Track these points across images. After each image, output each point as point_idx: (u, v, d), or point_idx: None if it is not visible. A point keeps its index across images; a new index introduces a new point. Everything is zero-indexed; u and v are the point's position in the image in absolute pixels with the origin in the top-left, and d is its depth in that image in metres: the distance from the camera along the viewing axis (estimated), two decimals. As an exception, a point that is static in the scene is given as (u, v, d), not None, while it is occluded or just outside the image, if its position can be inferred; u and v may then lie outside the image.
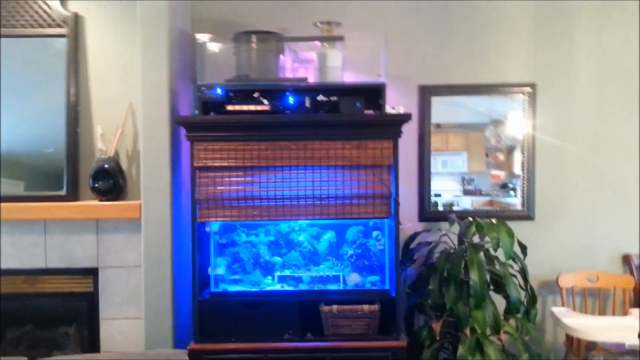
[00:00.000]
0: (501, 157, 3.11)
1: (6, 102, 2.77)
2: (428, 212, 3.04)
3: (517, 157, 3.07)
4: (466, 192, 3.09)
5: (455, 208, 3.07)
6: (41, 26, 2.80)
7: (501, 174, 3.10)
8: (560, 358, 2.97)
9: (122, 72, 2.83)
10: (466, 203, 3.09)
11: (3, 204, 2.67)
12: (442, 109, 3.04)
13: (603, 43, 3.02)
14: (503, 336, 2.50)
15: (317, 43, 2.66)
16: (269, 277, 2.61)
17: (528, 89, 3.02)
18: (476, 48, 3.03)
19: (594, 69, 3.03)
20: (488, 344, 2.42)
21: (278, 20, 2.96)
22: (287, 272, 2.60)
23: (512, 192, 3.08)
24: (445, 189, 3.08)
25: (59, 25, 2.79)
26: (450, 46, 3.03)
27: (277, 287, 2.56)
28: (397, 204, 2.43)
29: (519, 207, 3.06)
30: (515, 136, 3.05)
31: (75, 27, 2.81)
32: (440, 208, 3.07)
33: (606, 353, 2.63)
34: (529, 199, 3.04)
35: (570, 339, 2.84)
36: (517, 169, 3.07)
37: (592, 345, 2.70)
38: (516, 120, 3.04)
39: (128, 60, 2.82)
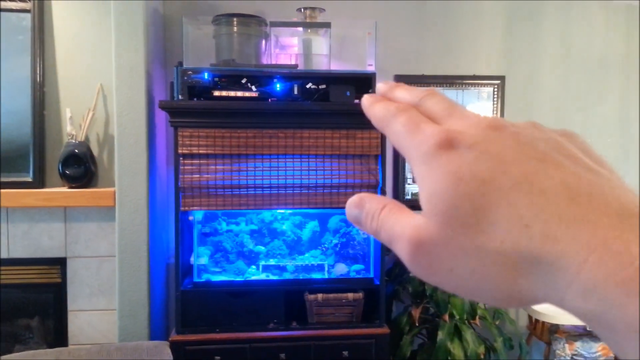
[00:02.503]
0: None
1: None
2: (402, 201, 3.09)
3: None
4: (415, 180, 3.16)
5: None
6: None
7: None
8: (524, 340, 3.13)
9: (91, 52, 2.67)
10: (416, 189, 3.16)
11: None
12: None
13: (568, 37, 3.16)
14: (477, 321, 2.60)
15: (300, 29, 2.62)
16: (253, 267, 2.58)
17: (497, 82, 3.12)
18: (450, 41, 3.09)
19: (559, 64, 3.17)
20: (465, 329, 2.52)
21: (253, 3, 2.88)
22: (271, 262, 2.58)
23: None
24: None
25: (21, 0, 2.60)
26: (426, 38, 3.07)
27: (262, 276, 2.54)
28: (383, 193, 2.45)
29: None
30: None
31: (39, 2, 2.61)
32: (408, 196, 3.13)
33: (567, 335, 2.80)
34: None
35: (533, 323, 2.99)
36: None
37: (554, 328, 2.86)
38: (475, 110, 3.13)
39: (98, 38, 2.66)
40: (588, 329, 2.67)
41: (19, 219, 2.62)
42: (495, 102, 3.12)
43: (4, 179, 2.56)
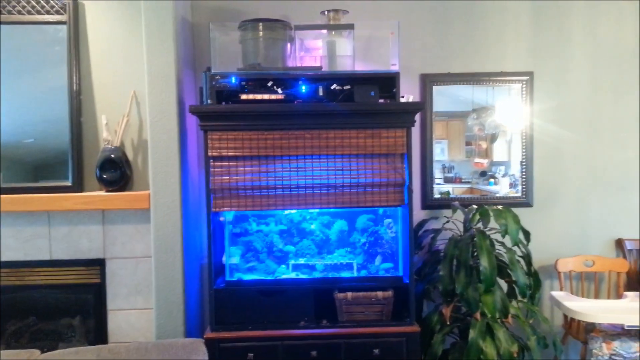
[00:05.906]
0: (484, 145, 3.17)
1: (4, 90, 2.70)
2: (430, 200, 3.10)
3: (500, 145, 3.13)
4: (447, 180, 3.14)
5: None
6: (39, 13, 2.71)
7: (484, 162, 3.16)
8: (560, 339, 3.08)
9: (124, 60, 2.78)
10: (444, 188, 3.15)
11: (6, 196, 2.60)
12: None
13: (597, 31, 3.10)
14: (510, 320, 2.58)
15: (324, 31, 2.66)
16: (283, 266, 2.62)
17: (526, 78, 3.08)
18: (476, 38, 3.07)
19: (589, 58, 3.11)
20: (498, 328, 2.49)
21: (279, 8, 2.95)
22: (301, 261, 2.62)
23: (492, 180, 3.15)
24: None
25: (57, 12, 2.71)
26: (451, 36, 3.07)
27: (292, 275, 2.58)
28: (410, 192, 2.46)
29: (502, 193, 3.13)
30: (501, 124, 3.11)
31: (74, 14, 2.73)
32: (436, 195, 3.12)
33: (604, 334, 2.74)
34: (527, 186, 3.12)
35: (569, 322, 2.94)
36: (498, 157, 3.14)
37: (590, 327, 2.80)
38: (504, 109, 3.10)
39: (130, 47, 2.77)
40: (626, 327, 2.62)
41: (60, 222, 2.74)
42: (524, 98, 3.09)
43: (45, 184, 2.69)
